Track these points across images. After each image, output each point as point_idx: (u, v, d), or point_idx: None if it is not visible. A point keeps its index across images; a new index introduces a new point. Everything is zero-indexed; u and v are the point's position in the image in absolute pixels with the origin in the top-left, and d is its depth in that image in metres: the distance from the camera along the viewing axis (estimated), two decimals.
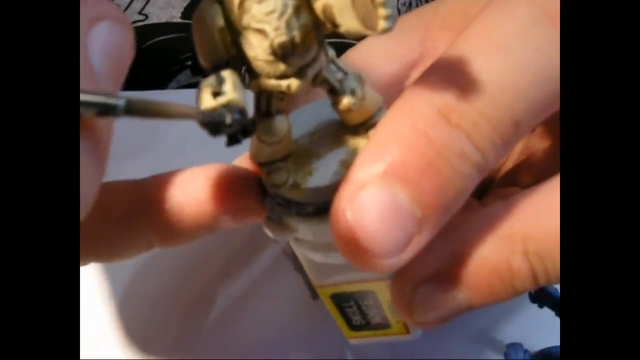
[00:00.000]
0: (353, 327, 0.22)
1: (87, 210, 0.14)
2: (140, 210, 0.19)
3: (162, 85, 0.42)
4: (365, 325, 0.22)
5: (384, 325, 0.22)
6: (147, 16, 0.40)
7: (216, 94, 0.14)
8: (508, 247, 0.16)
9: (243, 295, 0.31)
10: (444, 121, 0.15)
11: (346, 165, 0.17)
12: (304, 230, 0.18)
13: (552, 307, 0.27)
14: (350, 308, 0.21)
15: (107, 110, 0.13)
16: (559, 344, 0.27)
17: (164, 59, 0.42)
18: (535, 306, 0.28)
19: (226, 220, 0.19)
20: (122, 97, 0.14)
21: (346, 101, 0.16)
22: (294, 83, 0.15)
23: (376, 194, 0.14)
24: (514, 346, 0.28)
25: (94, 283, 0.31)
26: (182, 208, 0.19)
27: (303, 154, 0.18)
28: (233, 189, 0.19)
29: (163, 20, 0.40)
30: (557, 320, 0.28)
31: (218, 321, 0.30)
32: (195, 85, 0.46)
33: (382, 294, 0.20)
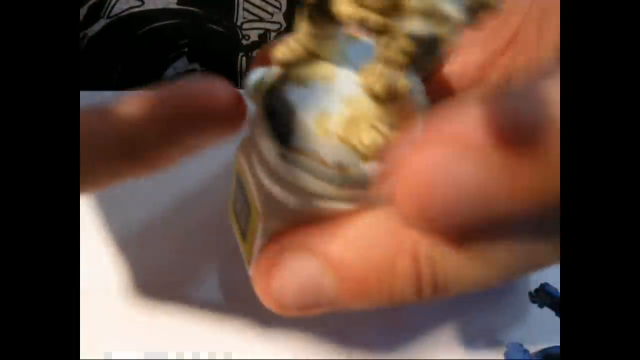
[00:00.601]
0: (233, 210, 0.21)
1: None
2: (103, 136, 0.18)
3: (159, 72, 0.42)
4: (238, 219, 0.20)
5: (242, 238, 0.20)
6: (143, 2, 0.40)
7: None
8: (396, 243, 0.14)
9: (239, 295, 0.31)
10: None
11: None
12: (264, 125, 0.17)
13: (552, 307, 0.27)
14: (238, 198, 0.20)
15: None
16: (559, 344, 0.27)
17: (161, 45, 0.42)
18: (535, 306, 0.28)
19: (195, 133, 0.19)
20: None
21: (371, 78, 0.14)
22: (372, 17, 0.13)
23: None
24: (514, 346, 0.28)
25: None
26: (141, 129, 0.18)
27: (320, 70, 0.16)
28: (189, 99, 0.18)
29: (160, 6, 0.40)
30: (557, 320, 0.27)
31: (213, 321, 0.30)
32: (192, 72, 0.46)
33: (254, 218, 0.18)
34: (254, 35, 0.41)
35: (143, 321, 0.30)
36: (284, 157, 0.16)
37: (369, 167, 0.15)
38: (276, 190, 0.17)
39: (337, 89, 0.16)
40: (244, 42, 0.42)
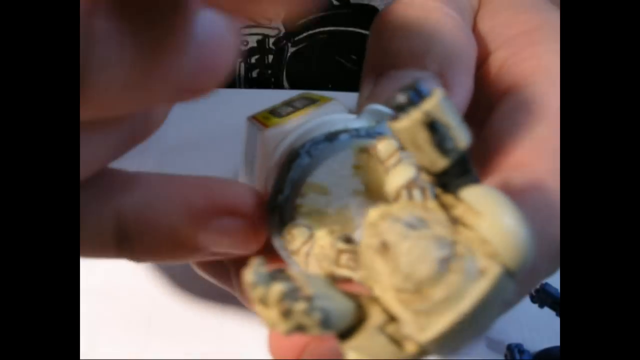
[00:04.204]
0: None
1: None
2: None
3: None
4: None
5: None
6: None
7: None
8: None
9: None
10: None
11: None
12: None
13: (552, 307, 0.27)
14: None
15: None
16: (559, 344, 0.27)
17: None
18: (535, 306, 0.28)
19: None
20: None
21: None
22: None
23: None
24: (514, 346, 0.28)
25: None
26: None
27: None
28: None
29: None
30: (557, 320, 0.27)
31: (217, 320, 0.30)
32: None
33: None
34: (252, 41, 0.41)
35: (143, 321, 0.30)
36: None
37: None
38: None
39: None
40: (242, 47, 0.41)
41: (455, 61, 0.18)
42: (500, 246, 0.12)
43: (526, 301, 0.28)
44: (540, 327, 0.29)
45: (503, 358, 0.28)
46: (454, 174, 0.13)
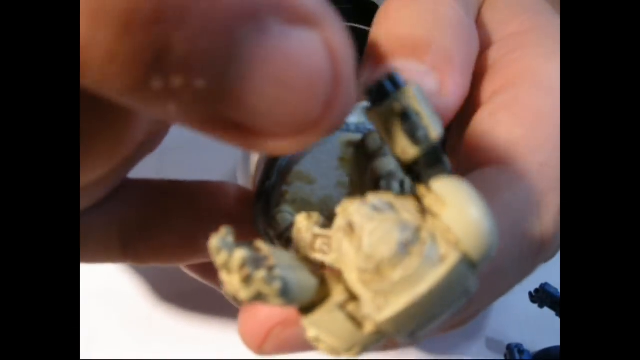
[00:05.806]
0: None
1: None
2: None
3: None
4: None
5: None
6: None
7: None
8: None
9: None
10: None
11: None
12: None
13: (552, 307, 0.27)
14: None
15: None
16: (558, 344, 0.27)
17: None
18: (535, 306, 0.28)
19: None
20: None
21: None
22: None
23: None
24: (514, 346, 0.28)
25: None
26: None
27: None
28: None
29: None
30: (557, 320, 0.28)
31: (219, 320, 0.30)
32: None
33: None
34: None
35: (143, 321, 0.30)
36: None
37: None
38: None
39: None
40: None
41: (455, 59, 0.18)
42: (461, 234, 0.12)
43: (526, 301, 0.28)
44: (540, 327, 0.29)
45: (503, 358, 0.28)
46: (426, 164, 0.13)
